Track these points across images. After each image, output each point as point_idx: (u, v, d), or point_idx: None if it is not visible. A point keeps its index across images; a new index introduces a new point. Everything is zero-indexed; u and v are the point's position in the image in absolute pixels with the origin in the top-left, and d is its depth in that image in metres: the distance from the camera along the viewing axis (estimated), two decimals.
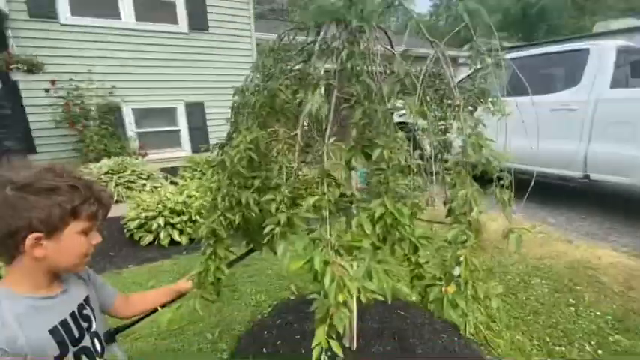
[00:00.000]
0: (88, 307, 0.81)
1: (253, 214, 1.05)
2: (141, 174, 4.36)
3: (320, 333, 0.74)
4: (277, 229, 0.91)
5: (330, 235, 0.84)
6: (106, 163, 4.25)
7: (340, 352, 0.72)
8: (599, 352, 1.72)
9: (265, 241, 0.94)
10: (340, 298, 0.70)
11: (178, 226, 3.19)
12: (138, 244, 3.13)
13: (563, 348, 1.75)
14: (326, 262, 0.77)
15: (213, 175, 1.23)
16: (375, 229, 0.90)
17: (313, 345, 0.73)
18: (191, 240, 3.10)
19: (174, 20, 5.61)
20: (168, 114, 5.90)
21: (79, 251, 0.75)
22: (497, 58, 1.07)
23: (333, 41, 1.08)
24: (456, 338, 1.82)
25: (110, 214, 0.83)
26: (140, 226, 3.17)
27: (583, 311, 2.04)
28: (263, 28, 7.51)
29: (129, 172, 4.26)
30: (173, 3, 5.56)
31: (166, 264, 2.83)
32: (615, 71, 3.28)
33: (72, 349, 0.73)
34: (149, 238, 3.14)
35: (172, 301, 1.11)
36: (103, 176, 4.08)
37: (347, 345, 1.56)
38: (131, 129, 5.46)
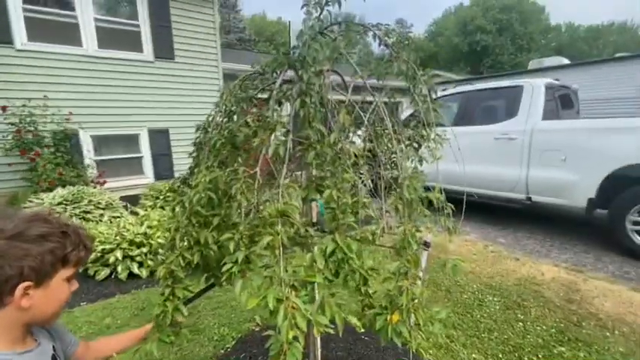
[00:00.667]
0: (58, 358, 0.79)
1: (212, 252, 1.08)
2: (98, 203, 4.14)
3: None
4: (235, 268, 0.94)
5: (286, 271, 0.89)
6: (59, 193, 3.99)
7: None
8: None
9: (224, 278, 0.97)
10: (290, 335, 0.75)
11: (138, 258, 3.06)
12: (92, 279, 2.95)
13: None
14: (279, 300, 0.82)
15: (174, 210, 1.24)
16: (328, 264, 0.97)
17: None
18: (151, 273, 2.97)
19: (139, 48, 5.57)
20: (131, 141, 5.72)
21: (62, 299, 0.73)
22: (431, 104, 1.23)
23: (288, 90, 1.18)
24: None
25: None
26: (95, 260, 3.00)
27: (530, 326, 2.21)
28: (230, 58, 7.67)
29: (85, 201, 4.03)
30: (137, 32, 5.55)
31: (124, 300, 2.68)
32: (546, 105, 3.73)
33: None
34: (105, 272, 2.98)
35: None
36: (56, 207, 3.83)
37: None
38: (89, 156, 5.21)
